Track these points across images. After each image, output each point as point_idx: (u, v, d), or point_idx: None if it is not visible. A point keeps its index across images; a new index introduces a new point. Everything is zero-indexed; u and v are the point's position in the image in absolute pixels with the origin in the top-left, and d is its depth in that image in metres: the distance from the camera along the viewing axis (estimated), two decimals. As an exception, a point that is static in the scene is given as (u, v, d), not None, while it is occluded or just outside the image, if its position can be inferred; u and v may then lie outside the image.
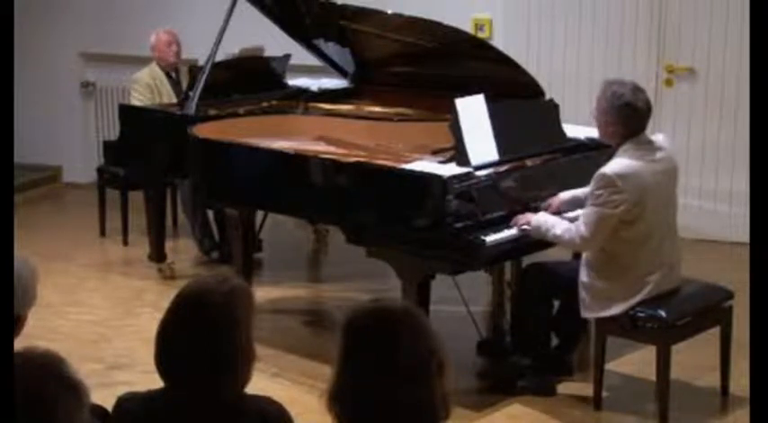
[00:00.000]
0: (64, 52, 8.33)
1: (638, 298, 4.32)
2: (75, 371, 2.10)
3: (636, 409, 4.50)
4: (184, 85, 6.56)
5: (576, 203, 4.54)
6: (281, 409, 2.51)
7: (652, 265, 4.35)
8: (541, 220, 4.40)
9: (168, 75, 6.64)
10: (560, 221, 4.41)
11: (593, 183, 4.26)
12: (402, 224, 4.41)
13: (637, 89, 4.36)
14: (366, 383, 2.16)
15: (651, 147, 4.36)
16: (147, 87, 6.53)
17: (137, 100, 6.52)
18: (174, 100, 6.46)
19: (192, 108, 5.82)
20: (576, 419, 4.47)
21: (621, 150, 4.33)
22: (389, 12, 5.43)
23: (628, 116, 4.30)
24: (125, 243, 6.94)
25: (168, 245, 6.49)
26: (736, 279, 4.89)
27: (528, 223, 4.39)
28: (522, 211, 4.51)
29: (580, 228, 4.27)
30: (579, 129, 5.04)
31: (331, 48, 6.09)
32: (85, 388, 2.09)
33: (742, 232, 6.42)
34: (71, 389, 2.05)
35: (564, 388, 4.66)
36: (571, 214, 4.51)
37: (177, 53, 6.64)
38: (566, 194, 4.63)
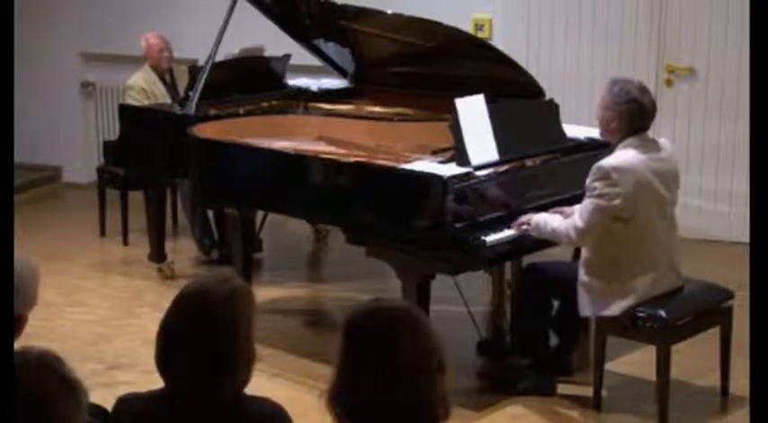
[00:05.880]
0: (64, 52, 8.33)
1: (634, 298, 4.32)
2: (73, 370, 2.10)
3: (636, 409, 4.50)
4: (180, 86, 6.60)
5: None
6: (281, 410, 2.51)
7: (648, 265, 4.34)
8: (541, 218, 4.40)
9: (162, 79, 6.67)
10: (558, 217, 4.41)
11: (590, 175, 4.26)
12: (402, 224, 4.41)
13: (643, 88, 4.36)
14: (366, 383, 2.16)
15: (653, 145, 4.36)
16: (143, 92, 6.55)
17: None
18: (169, 101, 6.48)
19: (192, 108, 5.83)
20: (575, 419, 4.47)
21: (622, 145, 4.32)
22: (389, 12, 5.43)
23: (633, 114, 4.30)
24: (125, 243, 6.94)
25: (168, 245, 6.49)
26: (736, 279, 4.90)
27: (528, 222, 4.39)
28: (521, 213, 4.50)
29: (575, 220, 4.27)
30: (579, 129, 5.04)
31: (331, 48, 6.09)
32: (83, 387, 2.09)
33: (742, 232, 6.42)
34: (69, 388, 2.05)
35: (564, 388, 4.66)
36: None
37: (169, 58, 6.71)
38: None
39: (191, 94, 5.91)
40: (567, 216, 4.41)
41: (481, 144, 4.56)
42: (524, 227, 4.39)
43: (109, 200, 7.08)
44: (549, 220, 4.37)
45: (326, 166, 4.77)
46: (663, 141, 4.47)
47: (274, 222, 6.80)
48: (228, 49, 6.30)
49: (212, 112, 5.85)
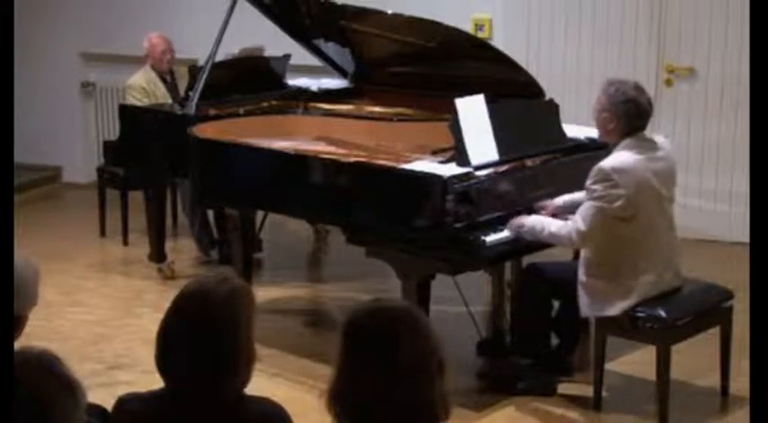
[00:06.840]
0: (64, 52, 8.33)
1: (634, 298, 4.32)
2: (72, 370, 2.10)
3: (636, 409, 4.50)
4: (180, 87, 6.60)
5: (573, 207, 4.50)
6: (281, 410, 2.51)
7: (648, 265, 4.34)
8: (536, 220, 4.39)
9: (163, 79, 6.67)
10: (555, 220, 4.41)
11: (589, 177, 4.25)
12: (402, 224, 4.41)
13: (639, 88, 4.36)
14: (366, 383, 2.17)
15: (651, 144, 4.36)
16: (143, 91, 6.55)
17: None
18: (170, 101, 6.48)
19: (192, 108, 5.83)
20: (575, 419, 4.47)
21: (620, 146, 4.32)
22: (389, 12, 5.43)
23: (631, 114, 4.29)
24: (125, 243, 6.94)
25: (168, 245, 6.49)
26: (736, 279, 4.89)
27: (522, 226, 4.39)
28: (521, 212, 4.50)
29: (577, 223, 4.26)
30: (579, 129, 5.04)
31: (331, 48, 6.09)
32: (82, 387, 2.09)
33: (742, 232, 6.42)
34: (68, 388, 2.05)
35: (564, 388, 4.66)
36: (569, 216, 4.49)
37: (171, 60, 6.71)
38: (560, 199, 4.62)
39: (191, 94, 5.91)
40: (563, 218, 4.42)
41: (481, 144, 4.56)
42: (523, 230, 4.38)
43: (109, 200, 7.08)
44: (546, 224, 4.36)
45: (326, 166, 4.77)
46: (661, 140, 4.47)
47: (274, 222, 6.80)
48: (228, 49, 6.30)
49: (212, 112, 5.85)
